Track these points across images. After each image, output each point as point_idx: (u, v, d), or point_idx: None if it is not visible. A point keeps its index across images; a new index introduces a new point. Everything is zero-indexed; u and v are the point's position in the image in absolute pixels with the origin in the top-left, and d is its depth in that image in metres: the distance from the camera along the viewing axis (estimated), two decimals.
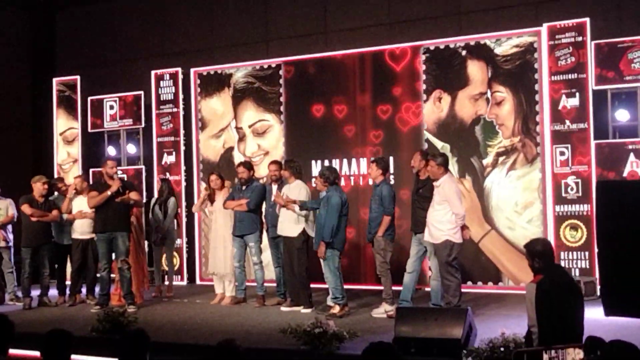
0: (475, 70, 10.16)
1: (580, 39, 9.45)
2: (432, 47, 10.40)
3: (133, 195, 9.46)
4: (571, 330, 5.33)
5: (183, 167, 12.01)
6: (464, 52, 10.21)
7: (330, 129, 11.03)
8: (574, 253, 9.43)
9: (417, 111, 10.47)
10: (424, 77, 10.44)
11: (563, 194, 9.50)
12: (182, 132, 12.03)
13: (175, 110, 12.04)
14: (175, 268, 11.54)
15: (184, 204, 11.94)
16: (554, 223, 9.54)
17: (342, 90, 10.98)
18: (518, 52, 9.91)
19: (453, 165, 9.76)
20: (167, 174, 11.86)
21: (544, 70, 9.67)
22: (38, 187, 9.88)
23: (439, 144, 10.27)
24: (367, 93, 10.83)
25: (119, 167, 10.36)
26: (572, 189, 9.48)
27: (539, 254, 5.56)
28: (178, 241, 11.60)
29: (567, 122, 9.52)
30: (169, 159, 12.06)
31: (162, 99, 12.14)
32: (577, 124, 9.48)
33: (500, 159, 9.98)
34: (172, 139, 12.05)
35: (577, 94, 9.47)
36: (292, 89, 11.32)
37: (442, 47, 10.36)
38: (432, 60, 10.40)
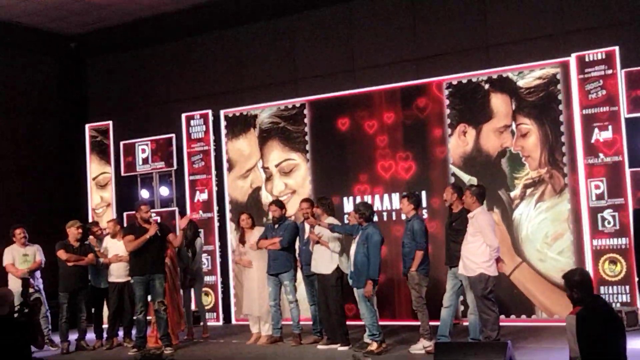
0: (499, 103, 10.20)
1: (610, 71, 9.42)
2: (454, 82, 10.45)
3: (171, 238, 9.56)
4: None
5: (216, 207, 12.08)
6: (487, 86, 10.26)
7: (358, 164, 11.10)
8: (615, 287, 9.30)
9: (442, 146, 10.52)
10: (447, 111, 10.50)
11: (600, 228, 9.40)
12: (213, 171, 12.13)
13: (206, 148, 12.17)
14: (209, 307, 11.61)
15: (217, 243, 11.99)
16: (592, 257, 9.42)
17: (369, 125, 11.03)
18: (542, 84, 9.96)
19: None
20: (194, 213, 11.94)
21: (574, 103, 9.64)
22: (72, 231, 9.98)
23: (465, 177, 10.27)
24: (394, 127, 10.88)
25: (152, 210, 10.44)
26: (609, 223, 9.37)
27: (577, 284, 5.48)
28: (211, 278, 11.75)
29: (601, 155, 9.46)
30: (201, 196, 12.16)
31: (193, 140, 12.26)
32: (612, 156, 9.41)
33: (528, 190, 9.96)
34: (204, 176, 12.16)
35: (610, 127, 9.41)
36: (318, 127, 11.40)
37: (464, 81, 10.41)
38: (455, 94, 10.46)
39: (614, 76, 9.41)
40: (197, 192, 12.21)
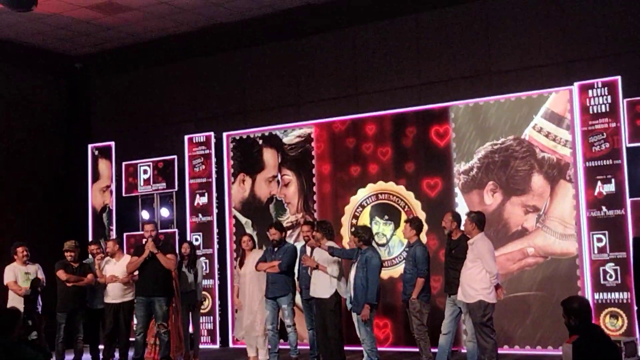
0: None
1: (613, 124, 9.42)
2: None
3: (160, 258, 9.38)
4: None
5: (216, 230, 12.08)
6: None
7: (358, 187, 11.14)
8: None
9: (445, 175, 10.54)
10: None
11: (602, 281, 9.34)
12: (214, 175, 12.15)
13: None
14: (206, 311, 11.64)
15: (216, 265, 11.97)
16: (594, 311, 9.34)
17: (371, 149, 11.07)
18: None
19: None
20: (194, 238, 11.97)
21: (578, 155, 9.63)
22: (68, 252, 9.97)
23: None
24: (395, 152, 10.92)
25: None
26: (610, 276, 9.33)
27: (575, 311, 5.44)
28: (209, 282, 11.83)
29: (604, 208, 9.44)
30: (200, 200, 12.18)
31: (194, 162, 12.29)
32: (614, 210, 9.38)
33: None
34: (204, 180, 12.18)
35: (613, 180, 9.40)
36: (323, 150, 11.44)
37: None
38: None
39: (618, 131, 9.40)
40: (197, 196, 12.23)
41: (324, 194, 11.40)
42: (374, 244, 8.99)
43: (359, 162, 11.18)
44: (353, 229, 8.99)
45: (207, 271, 11.77)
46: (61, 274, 9.89)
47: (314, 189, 11.44)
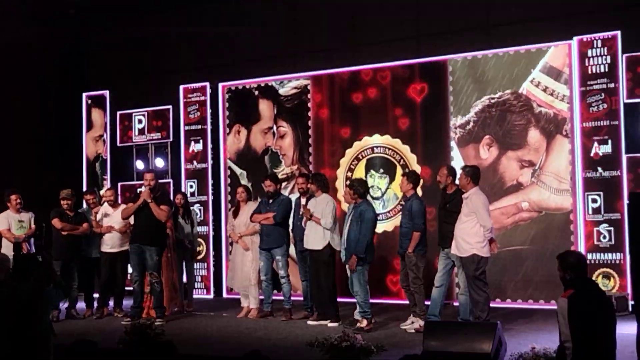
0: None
1: (612, 85, 9.36)
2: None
3: (153, 208, 9.34)
4: (604, 345, 5.22)
5: (210, 177, 12.06)
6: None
7: (354, 140, 11.11)
8: None
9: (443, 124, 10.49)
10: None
11: (595, 242, 9.36)
12: (209, 122, 12.11)
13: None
14: (201, 257, 11.65)
15: (210, 217, 11.98)
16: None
17: (367, 102, 11.01)
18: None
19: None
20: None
21: (575, 116, 9.59)
22: (64, 201, 9.96)
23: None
24: (391, 105, 10.86)
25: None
26: (604, 237, 9.35)
27: (571, 266, 5.45)
28: (204, 229, 11.88)
29: (600, 169, 9.42)
30: (195, 147, 12.18)
31: (190, 112, 12.21)
32: (610, 171, 9.37)
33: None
34: (199, 126, 12.16)
35: (610, 141, 9.37)
36: (319, 102, 11.35)
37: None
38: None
39: (616, 92, 9.34)
40: (192, 142, 12.19)
41: (319, 146, 11.36)
42: (368, 197, 8.99)
43: (355, 115, 11.12)
44: (349, 182, 8.96)
45: (202, 218, 11.77)
46: (56, 223, 9.89)
47: (310, 141, 11.40)
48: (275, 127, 11.72)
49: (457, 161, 10.06)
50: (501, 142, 10.10)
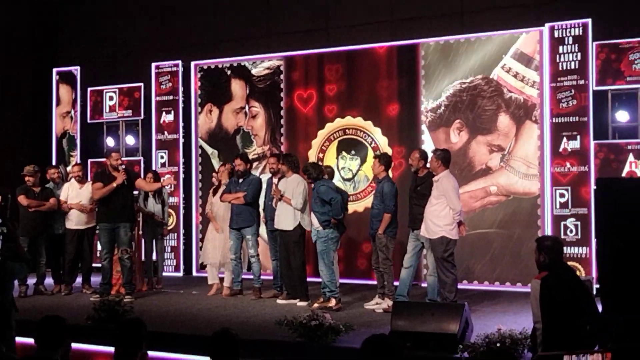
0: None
1: (582, 82, 9.47)
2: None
3: (142, 184, 9.55)
4: (576, 328, 5.30)
5: (182, 159, 12.02)
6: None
7: (326, 122, 11.12)
8: None
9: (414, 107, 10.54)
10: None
11: (562, 236, 9.47)
12: (180, 94, 12.04)
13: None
14: (171, 228, 11.58)
15: (181, 195, 11.95)
16: None
17: (340, 84, 11.03)
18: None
19: None
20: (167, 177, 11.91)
21: (545, 111, 9.69)
22: (27, 177, 9.88)
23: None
24: (364, 87, 10.90)
25: None
26: (571, 231, 9.49)
27: (547, 249, 5.55)
28: (174, 200, 11.84)
29: (568, 164, 9.54)
30: (167, 117, 12.09)
31: (162, 83, 12.14)
32: (578, 166, 9.50)
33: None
34: (171, 97, 12.08)
35: (578, 137, 9.49)
36: (292, 84, 11.35)
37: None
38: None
39: (586, 88, 9.46)
40: (163, 113, 12.13)
41: (291, 127, 11.37)
42: (337, 179, 9.03)
43: (327, 97, 11.14)
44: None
45: (172, 189, 11.74)
46: (22, 200, 9.81)
47: (282, 121, 11.39)
48: (247, 107, 11.69)
49: (428, 144, 10.13)
50: (471, 127, 10.19)
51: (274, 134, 11.46)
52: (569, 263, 9.24)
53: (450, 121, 10.31)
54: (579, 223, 9.47)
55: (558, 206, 9.59)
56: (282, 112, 11.41)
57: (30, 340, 5.04)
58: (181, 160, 12.03)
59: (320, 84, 11.16)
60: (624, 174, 9.22)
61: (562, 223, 9.53)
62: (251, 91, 11.66)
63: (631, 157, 9.26)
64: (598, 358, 4.13)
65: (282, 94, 11.41)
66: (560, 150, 9.60)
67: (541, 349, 5.29)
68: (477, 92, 10.17)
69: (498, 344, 5.89)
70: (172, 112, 12.07)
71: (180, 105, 12.06)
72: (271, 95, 11.50)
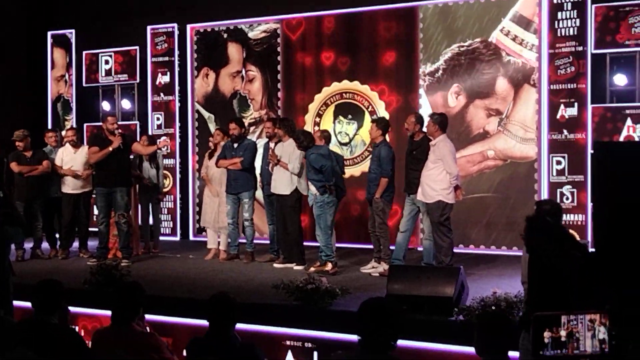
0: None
1: (580, 48, 9.39)
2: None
3: (139, 148, 9.55)
4: (562, 290, 5.31)
5: (178, 124, 11.97)
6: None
7: (323, 85, 11.04)
8: None
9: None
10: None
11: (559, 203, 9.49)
12: (176, 53, 11.96)
13: (170, 57, 11.97)
14: (167, 190, 11.59)
15: (177, 160, 11.92)
16: None
17: (338, 47, 10.93)
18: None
19: None
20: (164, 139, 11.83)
21: (543, 78, 9.61)
22: (18, 142, 9.85)
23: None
24: (361, 51, 10.80)
25: None
26: (567, 199, 9.47)
27: (545, 212, 5.57)
28: (170, 161, 11.85)
29: (565, 131, 9.49)
30: (162, 79, 12.03)
31: (157, 44, 12.05)
32: (575, 133, 9.45)
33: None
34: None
35: (576, 104, 9.43)
36: (289, 47, 11.25)
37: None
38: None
39: (584, 55, 9.37)
40: (159, 75, 12.05)
41: (288, 91, 11.29)
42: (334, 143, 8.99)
43: (324, 60, 11.05)
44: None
45: (168, 150, 11.71)
46: (14, 166, 9.80)
47: (279, 85, 11.32)
48: (244, 71, 11.60)
49: (426, 109, 10.08)
50: (469, 91, 10.13)
51: (271, 97, 11.39)
52: None
53: (448, 85, 10.24)
54: (575, 190, 9.46)
55: (555, 173, 9.57)
56: (279, 76, 11.33)
57: (28, 304, 5.07)
58: (177, 122, 11.96)
59: (318, 48, 11.06)
60: (621, 139, 9.19)
61: (559, 190, 9.52)
62: (248, 55, 11.55)
63: (629, 122, 9.22)
64: (596, 318, 4.14)
65: (279, 58, 11.31)
66: (558, 117, 9.55)
67: (525, 308, 5.33)
68: (475, 55, 10.09)
69: (493, 307, 5.93)
70: (168, 73, 11.98)
71: (177, 66, 11.95)
72: (268, 59, 11.40)
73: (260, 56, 11.47)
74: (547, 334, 4.04)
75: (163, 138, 11.05)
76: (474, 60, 10.09)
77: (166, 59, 12.00)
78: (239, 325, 4.92)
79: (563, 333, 4.07)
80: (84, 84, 12.73)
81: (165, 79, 12.00)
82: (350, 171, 10.55)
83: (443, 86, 10.27)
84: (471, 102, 10.12)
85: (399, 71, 10.57)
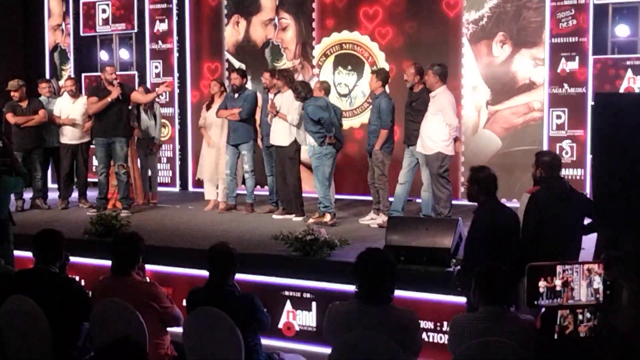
0: None
1: (583, 1, 9.23)
2: None
3: (138, 96, 9.49)
4: (556, 243, 5.35)
5: (176, 74, 11.88)
6: None
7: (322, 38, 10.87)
8: None
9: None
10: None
11: None
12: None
13: (168, 3, 11.79)
14: (166, 138, 11.56)
15: (176, 111, 11.87)
16: None
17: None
18: None
19: None
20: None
21: (545, 32, 9.47)
22: (13, 92, 9.79)
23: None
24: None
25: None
26: (567, 153, 9.42)
27: (544, 164, 5.58)
28: (169, 110, 11.78)
29: (566, 85, 9.40)
30: (160, 26, 11.85)
31: (155, 2, 11.88)
32: (575, 88, 9.35)
33: None
34: (165, 5, 11.84)
35: (577, 58, 9.31)
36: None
37: None
38: None
39: (585, 7, 9.23)
40: (157, 22, 11.87)
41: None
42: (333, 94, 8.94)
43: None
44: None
45: (167, 99, 11.65)
46: (10, 118, 9.77)
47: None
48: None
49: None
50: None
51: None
52: None
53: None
54: (574, 145, 9.42)
55: (554, 127, 9.52)
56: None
57: (28, 254, 5.10)
58: (175, 68, 11.83)
59: None
60: (622, 90, 9.13)
61: (558, 145, 9.48)
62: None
63: (630, 73, 9.15)
64: (594, 267, 4.18)
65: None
66: (559, 71, 9.46)
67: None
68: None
69: None
70: (166, 21, 11.81)
71: (175, 14, 11.78)
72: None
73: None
74: (542, 284, 4.09)
75: (164, 84, 10.80)
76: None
77: (164, 6, 11.83)
78: (238, 276, 4.97)
79: (558, 282, 4.11)
80: (81, 33, 12.60)
81: (164, 26, 11.85)
82: (349, 123, 10.51)
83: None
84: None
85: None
